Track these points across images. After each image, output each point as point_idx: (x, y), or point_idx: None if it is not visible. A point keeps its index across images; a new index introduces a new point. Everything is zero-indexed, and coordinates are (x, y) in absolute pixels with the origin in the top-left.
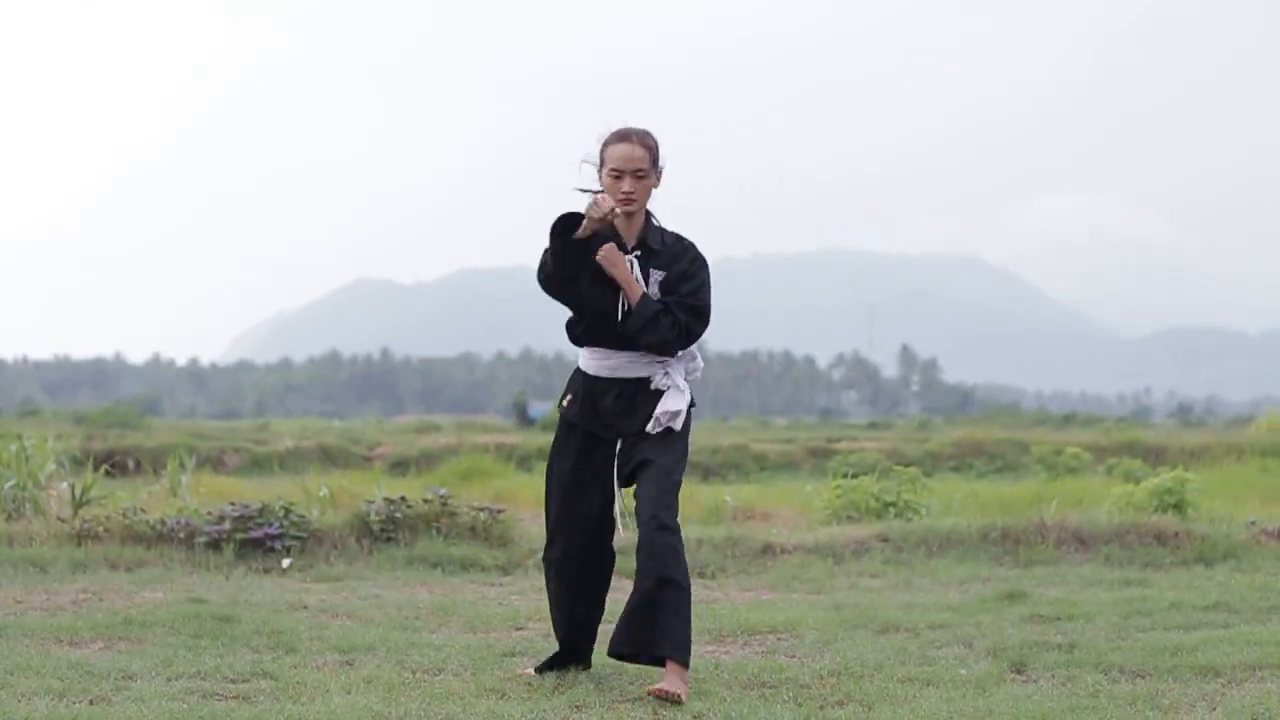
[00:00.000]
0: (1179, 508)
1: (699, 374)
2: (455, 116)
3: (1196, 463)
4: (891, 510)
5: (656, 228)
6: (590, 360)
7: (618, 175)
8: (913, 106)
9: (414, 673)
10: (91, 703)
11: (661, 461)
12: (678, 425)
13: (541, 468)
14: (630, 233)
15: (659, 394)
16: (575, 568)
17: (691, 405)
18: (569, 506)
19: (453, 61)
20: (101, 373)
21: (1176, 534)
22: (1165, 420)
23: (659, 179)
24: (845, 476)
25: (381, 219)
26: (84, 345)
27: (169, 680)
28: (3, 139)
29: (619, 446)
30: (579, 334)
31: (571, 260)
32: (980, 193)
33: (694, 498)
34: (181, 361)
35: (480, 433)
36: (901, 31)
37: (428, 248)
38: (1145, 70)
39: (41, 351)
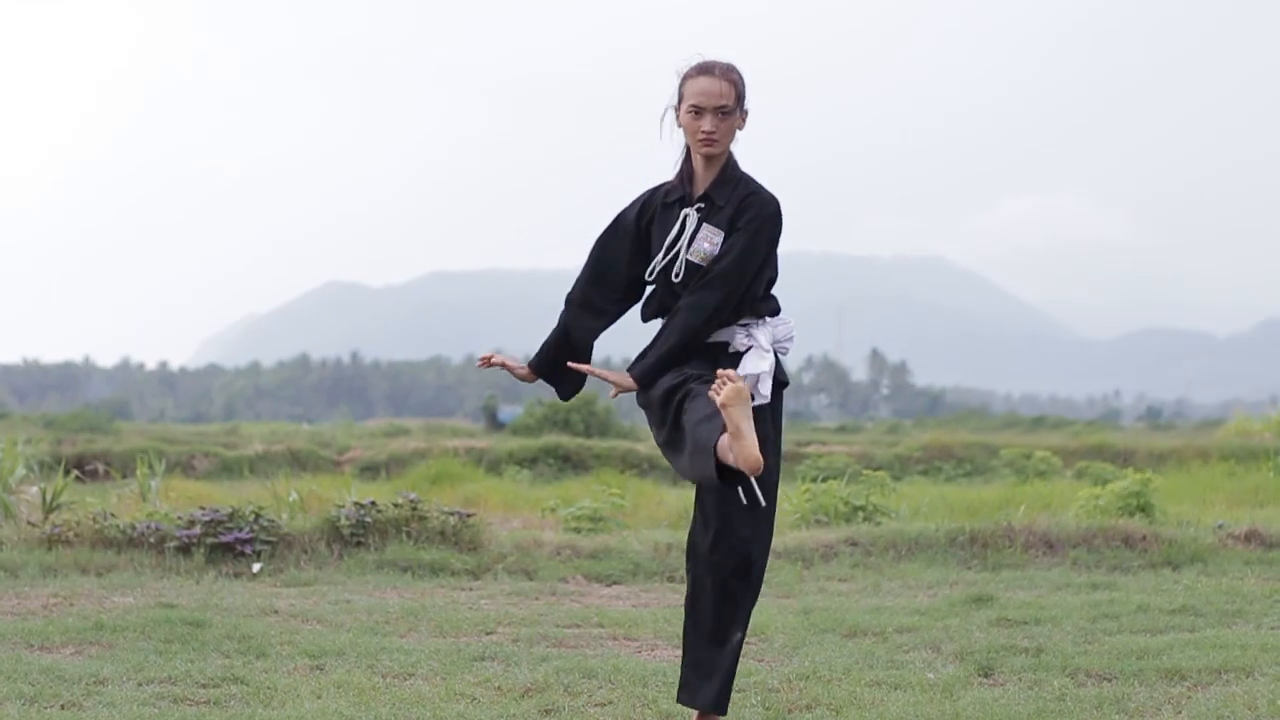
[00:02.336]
0: (1145, 511)
1: (790, 344)
2: (418, 114)
3: (1164, 466)
4: (860, 514)
5: (732, 178)
6: None
7: (697, 112)
8: (872, 105)
9: (384, 677)
10: (63, 707)
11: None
12: (763, 393)
13: (511, 471)
14: (705, 179)
15: (739, 358)
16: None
17: (783, 385)
18: None
19: (399, 56)
20: (70, 376)
21: (1144, 537)
22: (1134, 423)
23: (744, 120)
24: (814, 480)
25: (352, 222)
26: (53, 349)
27: (140, 685)
28: None
29: None
30: (649, 314)
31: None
32: (944, 194)
33: (664, 501)
34: (151, 365)
35: (450, 436)
36: (860, 27)
37: (398, 251)
38: (1105, 68)
39: (10, 355)
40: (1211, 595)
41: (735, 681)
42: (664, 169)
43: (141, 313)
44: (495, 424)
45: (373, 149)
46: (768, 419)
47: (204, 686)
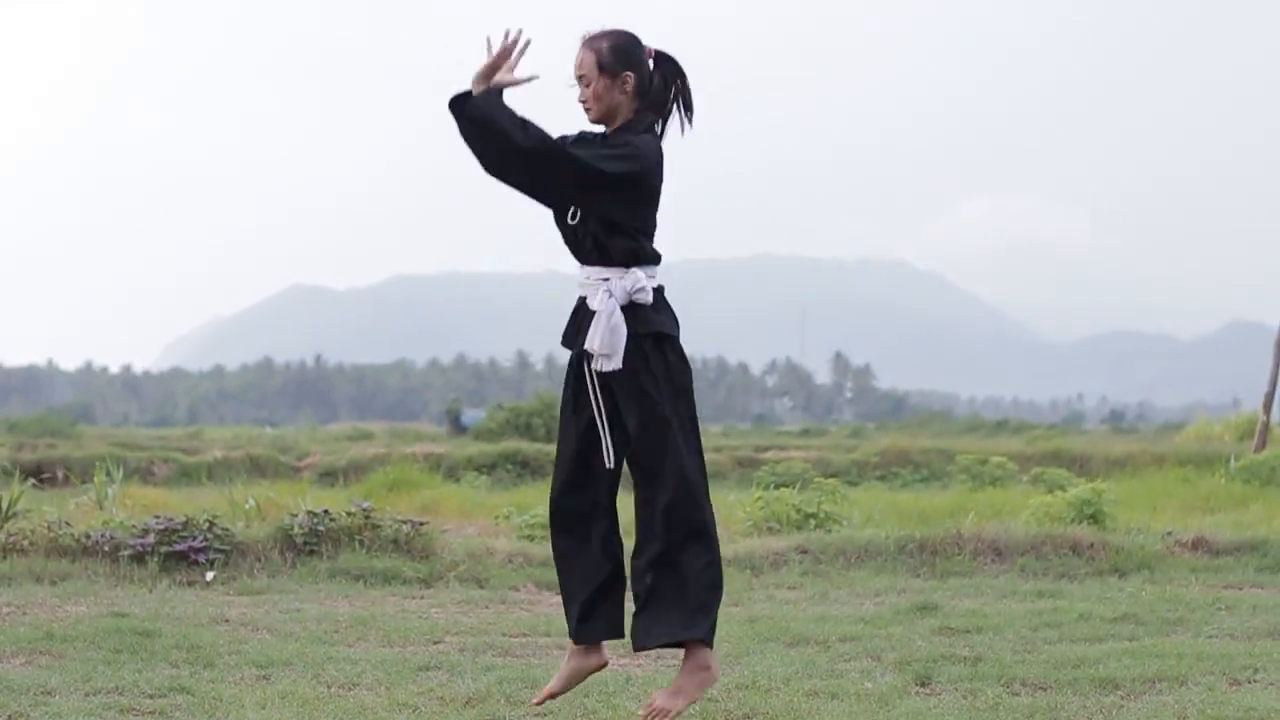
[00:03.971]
0: (1096, 519)
1: (643, 294)
2: (382, 115)
3: (1120, 471)
4: (812, 521)
5: (622, 128)
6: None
7: (578, 80)
8: (834, 108)
9: (329, 687)
10: (10, 718)
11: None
12: (610, 364)
13: (469, 477)
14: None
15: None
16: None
17: (663, 337)
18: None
19: (361, 55)
20: (33, 380)
21: (1092, 545)
22: (1097, 427)
23: (628, 83)
24: (768, 488)
25: (316, 224)
26: (15, 352)
27: (87, 695)
28: None
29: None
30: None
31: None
32: (905, 196)
33: (621, 506)
34: (114, 369)
35: (412, 441)
36: (823, 31)
37: (362, 253)
38: (1066, 71)
39: None
40: (1154, 603)
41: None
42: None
43: (105, 316)
44: (458, 428)
45: (336, 150)
46: (641, 381)
47: (150, 697)
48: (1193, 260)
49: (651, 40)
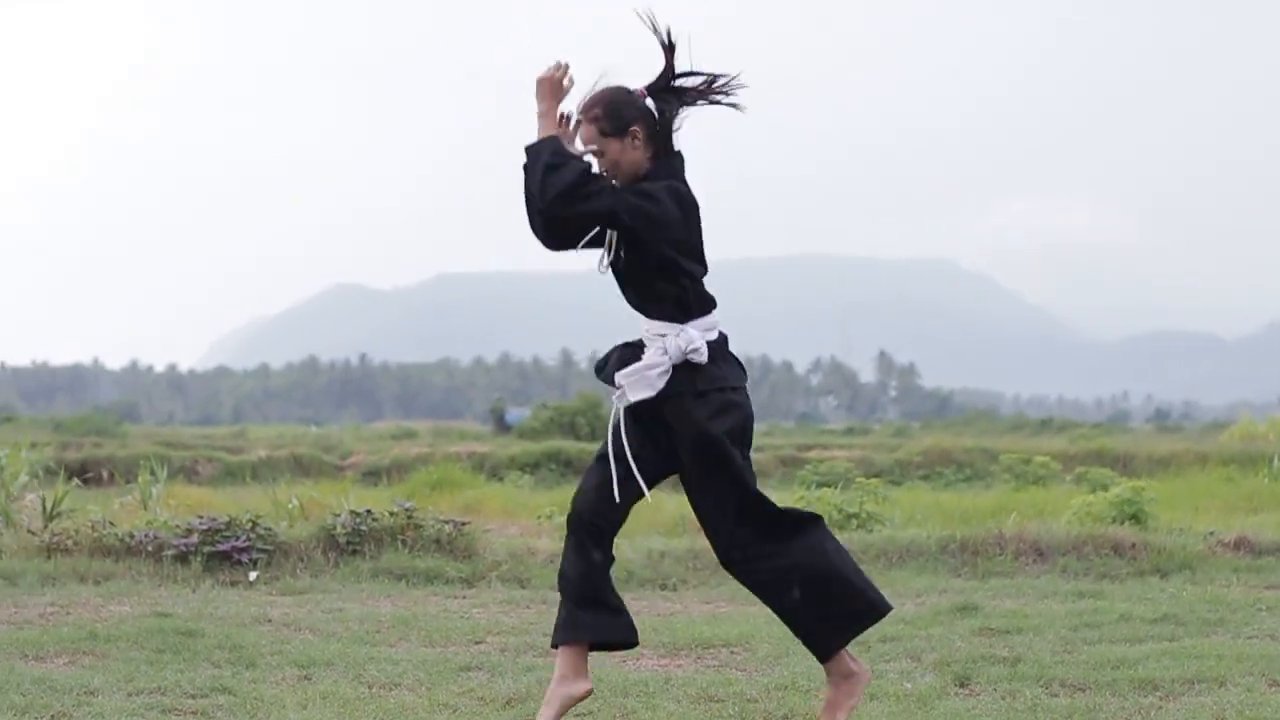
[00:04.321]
0: (1138, 518)
1: (697, 354)
2: (426, 115)
3: (1164, 471)
4: (854, 522)
5: (653, 181)
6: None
7: (593, 155)
8: (875, 106)
9: (370, 687)
10: (53, 718)
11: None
12: (628, 396)
13: (513, 476)
14: None
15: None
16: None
17: (730, 411)
18: None
19: (407, 56)
20: (79, 379)
21: (1133, 545)
22: (1142, 426)
23: (636, 137)
24: (810, 487)
25: (360, 224)
26: (62, 351)
27: (129, 695)
28: None
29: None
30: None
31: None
32: (947, 196)
33: (661, 507)
34: (160, 367)
35: (456, 440)
36: (863, 29)
37: (406, 253)
38: (1106, 67)
39: (19, 358)
40: (1195, 604)
41: (713, 691)
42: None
43: (150, 315)
44: (503, 426)
45: (381, 151)
46: (683, 420)
47: (192, 697)
48: (1236, 259)
49: (694, 35)
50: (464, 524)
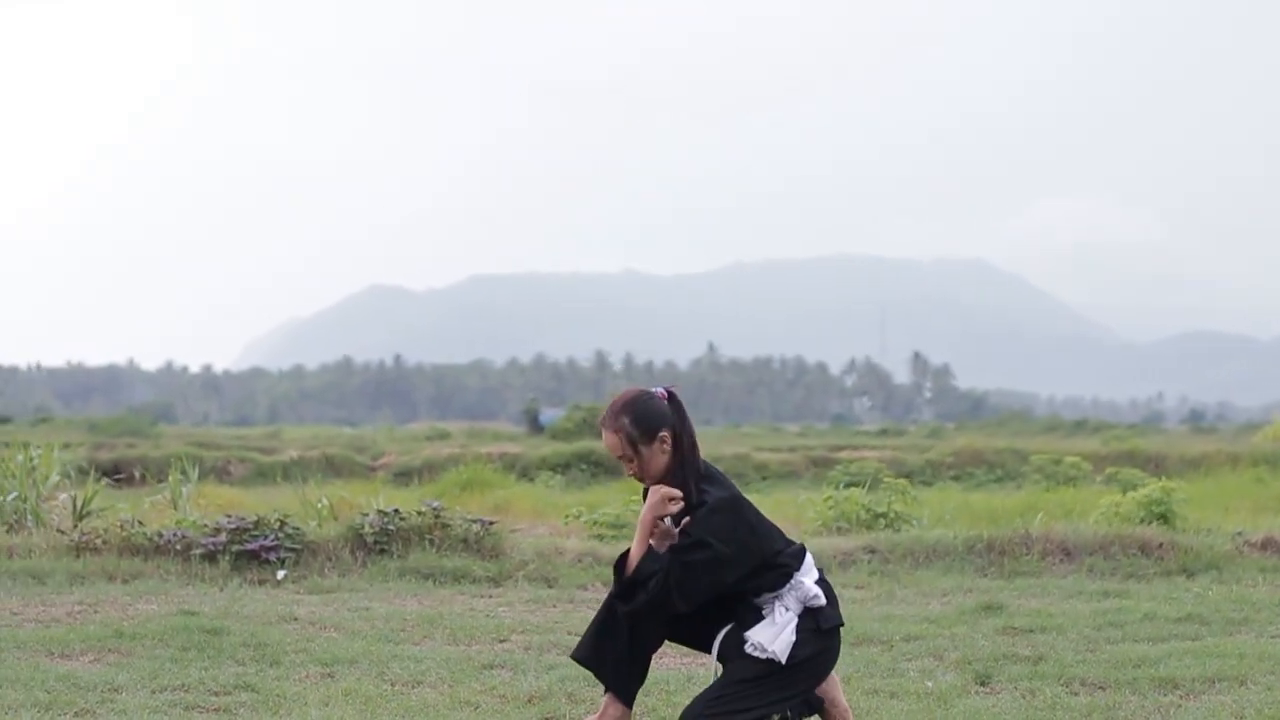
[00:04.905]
0: (1166, 518)
1: (819, 597)
2: (460, 117)
3: (1195, 471)
4: (881, 521)
5: (694, 488)
6: None
7: (621, 461)
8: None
9: (392, 685)
10: (76, 715)
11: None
12: (763, 654)
13: (544, 477)
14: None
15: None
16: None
17: (812, 628)
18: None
19: (440, 58)
20: (115, 380)
21: (1160, 545)
22: (1177, 427)
23: (665, 442)
24: (839, 487)
25: (394, 225)
26: (97, 352)
27: (153, 693)
28: None
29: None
30: None
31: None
32: (978, 195)
33: None
34: (195, 368)
35: (489, 441)
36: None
37: (440, 254)
38: (1133, 66)
39: (55, 359)
40: (1220, 603)
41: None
42: (711, 171)
43: (185, 316)
44: (536, 427)
45: (414, 152)
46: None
47: (215, 694)
48: (1270, 260)
49: (724, 37)
50: (491, 523)
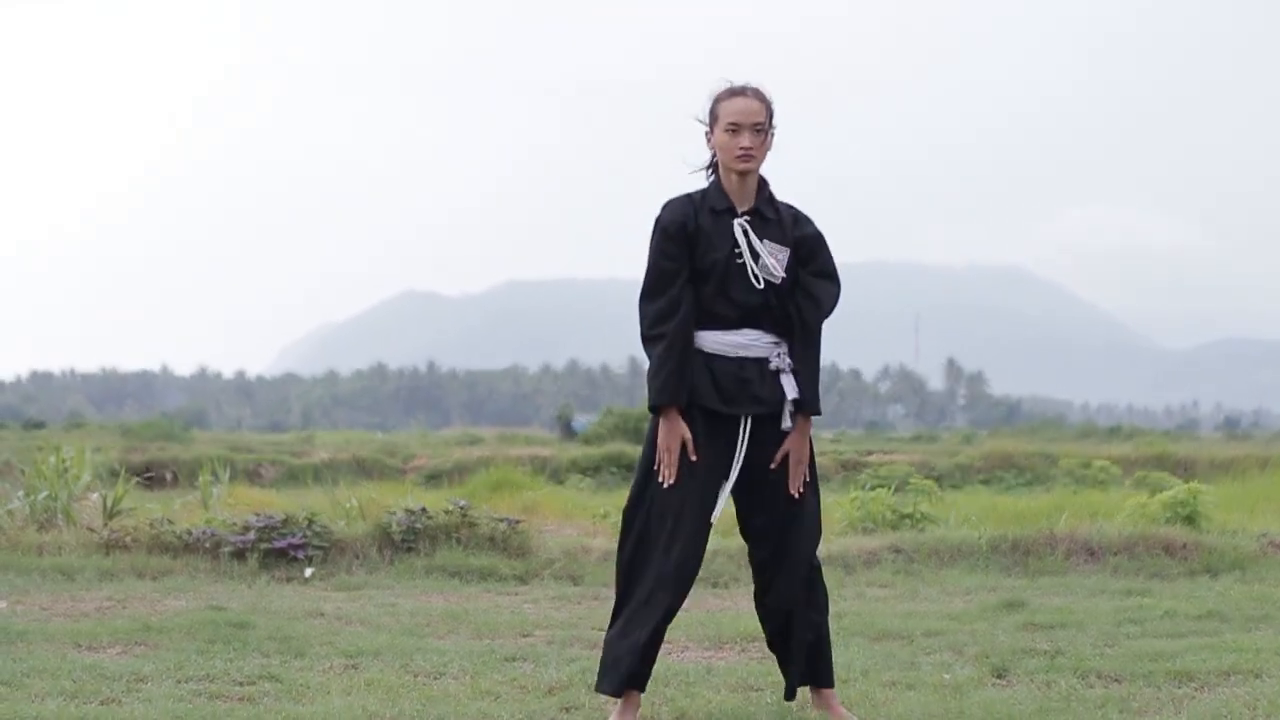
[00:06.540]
0: (1191, 520)
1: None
2: (495, 124)
3: (1224, 475)
4: (907, 522)
5: (770, 196)
6: (707, 337)
7: (734, 129)
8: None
9: (415, 676)
10: (102, 703)
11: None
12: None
13: (574, 480)
14: (742, 195)
15: (777, 376)
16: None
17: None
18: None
19: (478, 65)
20: (148, 385)
21: (1185, 545)
22: (1212, 433)
23: (772, 140)
24: (865, 488)
25: (428, 231)
26: (130, 358)
27: (178, 683)
28: (30, 148)
29: (746, 426)
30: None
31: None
32: (1012, 201)
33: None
34: (228, 374)
35: (521, 445)
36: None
37: (474, 260)
38: (1166, 70)
39: (88, 364)
40: (1241, 601)
41: (752, 680)
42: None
43: (219, 322)
44: (569, 433)
45: (449, 159)
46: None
47: (239, 684)
48: None
49: (756, 44)
50: (518, 522)
